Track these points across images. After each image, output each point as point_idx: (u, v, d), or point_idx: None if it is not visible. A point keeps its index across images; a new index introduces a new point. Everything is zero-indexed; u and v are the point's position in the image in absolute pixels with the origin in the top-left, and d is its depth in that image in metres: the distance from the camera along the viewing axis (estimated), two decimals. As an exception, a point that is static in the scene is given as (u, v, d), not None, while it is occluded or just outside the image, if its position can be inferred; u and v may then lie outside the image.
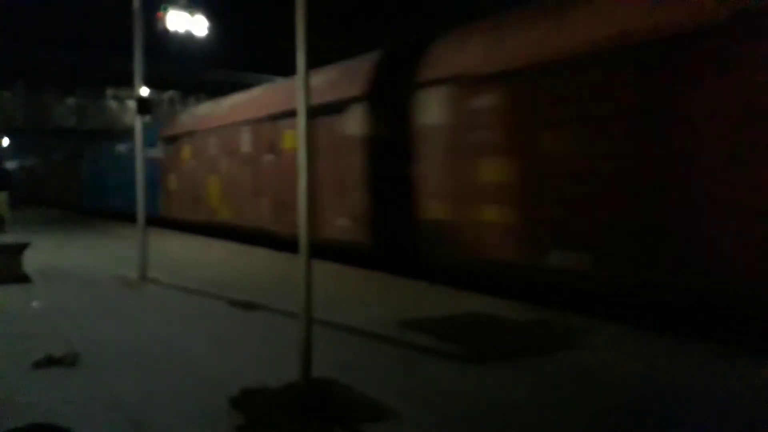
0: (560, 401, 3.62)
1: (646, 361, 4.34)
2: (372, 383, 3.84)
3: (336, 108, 8.89)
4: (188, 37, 9.63)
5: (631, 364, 4.28)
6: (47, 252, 10.84)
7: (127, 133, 17.59)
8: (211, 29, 10.91)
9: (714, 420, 3.39)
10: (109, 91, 37.11)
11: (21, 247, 8.33)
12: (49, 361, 4.29)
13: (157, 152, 15.84)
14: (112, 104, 37.75)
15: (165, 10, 8.97)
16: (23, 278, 8.04)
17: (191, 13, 9.12)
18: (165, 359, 4.53)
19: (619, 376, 4.04)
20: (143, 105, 8.32)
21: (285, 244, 9.78)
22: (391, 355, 4.60)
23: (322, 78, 8.99)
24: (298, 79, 3.75)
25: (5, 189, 14.94)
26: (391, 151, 8.18)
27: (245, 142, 11.90)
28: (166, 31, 9.11)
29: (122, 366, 4.37)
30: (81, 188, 25.30)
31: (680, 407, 3.55)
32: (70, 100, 37.06)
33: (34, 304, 6.50)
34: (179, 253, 11.38)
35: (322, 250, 7.55)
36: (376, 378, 4.01)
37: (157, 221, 14.65)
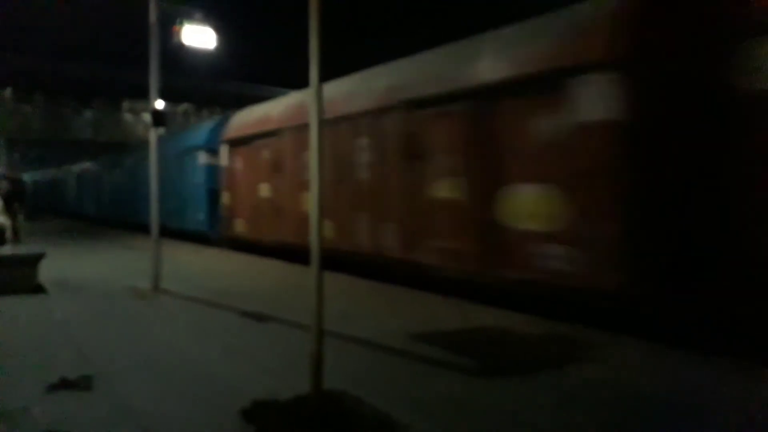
0: (571, 415, 3.59)
1: (660, 376, 4.28)
2: (382, 396, 3.83)
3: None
4: (203, 51, 9.73)
5: (645, 378, 4.23)
6: (62, 262, 10.94)
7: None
8: (227, 43, 11.02)
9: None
10: (125, 104, 37.58)
11: (36, 258, 8.41)
12: (64, 384, 4.19)
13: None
14: (128, 117, 38.20)
15: (181, 24, 9.08)
16: (38, 289, 8.12)
17: (208, 26, 9.24)
18: (177, 370, 4.55)
19: (632, 390, 3.99)
20: (158, 117, 8.42)
21: (296, 255, 9.72)
22: (401, 368, 4.58)
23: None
24: (311, 91, 3.78)
25: (20, 200, 15.17)
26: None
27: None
28: (182, 45, 9.21)
29: (134, 377, 4.39)
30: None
31: (691, 422, 3.50)
32: (87, 113, 37.56)
33: (57, 315, 6.56)
34: (191, 263, 11.43)
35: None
36: (386, 390, 3.99)
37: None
